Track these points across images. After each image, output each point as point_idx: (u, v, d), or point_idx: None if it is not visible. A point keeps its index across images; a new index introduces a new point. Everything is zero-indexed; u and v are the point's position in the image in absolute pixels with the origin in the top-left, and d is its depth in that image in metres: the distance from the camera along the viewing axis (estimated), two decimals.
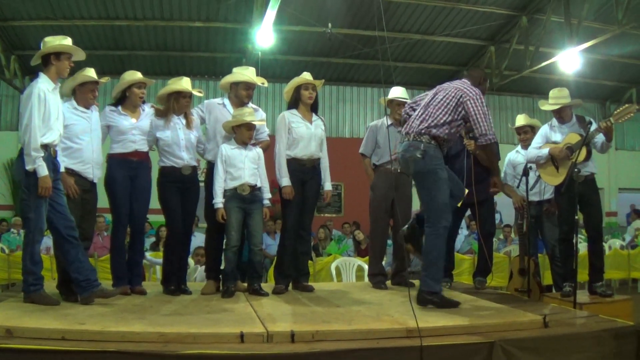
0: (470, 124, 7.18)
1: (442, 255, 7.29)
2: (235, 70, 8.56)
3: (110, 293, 7.12)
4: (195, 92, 8.26)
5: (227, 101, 8.48)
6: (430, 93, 7.55)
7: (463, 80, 7.49)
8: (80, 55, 7.19)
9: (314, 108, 8.71)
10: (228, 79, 8.48)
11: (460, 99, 7.14)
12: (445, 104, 7.19)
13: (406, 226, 7.59)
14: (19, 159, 6.77)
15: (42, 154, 6.64)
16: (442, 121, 7.13)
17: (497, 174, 7.12)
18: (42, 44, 6.99)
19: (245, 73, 8.42)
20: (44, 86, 6.77)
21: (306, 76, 8.59)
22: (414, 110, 7.55)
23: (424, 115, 7.27)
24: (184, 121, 8.10)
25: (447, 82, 7.55)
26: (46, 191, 6.63)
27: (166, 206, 8.08)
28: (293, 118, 8.49)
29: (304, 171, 8.49)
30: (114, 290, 7.32)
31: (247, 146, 8.07)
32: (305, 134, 8.45)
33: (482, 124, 7.04)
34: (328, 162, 8.80)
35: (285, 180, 8.31)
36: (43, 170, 6.61)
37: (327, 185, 8.77)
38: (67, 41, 7.05)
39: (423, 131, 7.15)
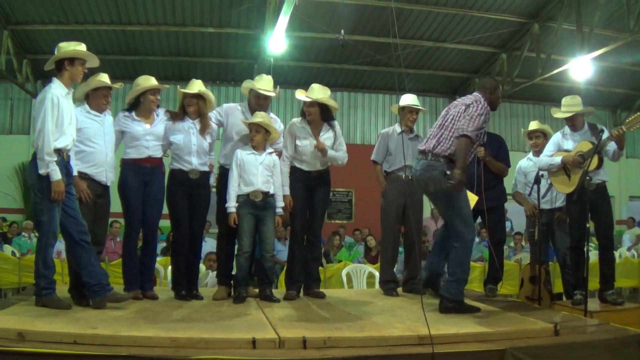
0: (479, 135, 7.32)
1: (469, 267, 7.68)
2: (257, 77, 8.57)
3: (122, 297, 7.14)
4: (210, 97, 8.29)
5: (245, 107, 8.50)
6: (444, 112, 7.67)
7: (475, 94, 7.58)
8: (94, 62, 7.22)
9: (325, 117, 8.60)
10: (247, 84, 8.60)
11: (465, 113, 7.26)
12: (454, 125, 7.36)
13: (423, 273, 7.65)
14: (32, 163, 6.80)
15: (55, 159, 6.66)
16: (454, 146, 7.30)
17: (460, 168, 7.15)
18: (56, 49, 7.01)
19: (259, 84, 8.42)
20: (57, 91, 6.80)
21: (310, 91, 8.51)
22: (436, 130, 7.62)
23: (438, 137, 7.48)
24: (198, 126, 8.12)
25: (460, 98, 7.64)
26: (59, 195, 6.67)
27: (172, 209, 8.13)
28: (300, 132, 8.49)
29: (311, 178, 8.52)
30: (126, 295, 7.34)
31: (263, 153, 8.07)
32: (309, 152, 8.45)
33: (469, 120, 7.22)
34: (344, 157, 8.76)
35: (285, 190, 8.34)
36: (56, 175, 6.64)
37: (331, 152, 8.58)
38: (82, 47, 7.07)
39: (440, 153, 7.31)
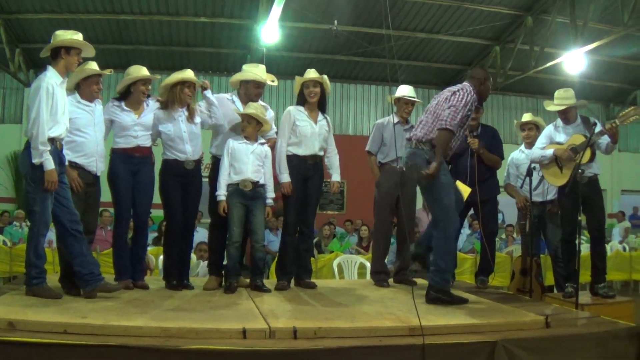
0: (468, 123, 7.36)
1: (451, 257, 7.63)
2: (245, 67, 8.56)
3: (114, 288, 7.11)
4: (199, 83, 8.25)
5: (235, 97, 8.48)
6: (432, 101, 7.68)
7: (464, 83, 7.56)
8: (89, 52, 7.21)
9: (321, 106, 8.68)
10: (238, 76, 8.50)
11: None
12: (436, 111, 7.36)
13: (414, 245, 7.62)
14: (25, 152, 6.78)
15: (49, 148, 6.66)
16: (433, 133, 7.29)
17: (437, 160, 7.15)
18: (52, 37, 6.98)
19: (255, 71, 8.43)
20: (52, 80, 6.79)
21: (308, 74, 8.55)
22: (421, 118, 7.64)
23: (423, 123, 7.47)
24: (186, 113, 8.09)
25: (448, 88, 7.62)
26: (52, 185, 6.65)
27: (166, 199, 8.09)
28: (299, 115, 8.48)
29: (306, 167, 8.48)
30: (117, 285, 7.31)
31: (255, 143, 8.06)
32: (309, 134, 8.44)
33: (451, 112, 7.19)
34: (338, 158, 8.80)
35: (284, 176, 8.33)
36: (50, 164, 6.63)
37: (335, 177, 8.76)
38: (78, 36, 7.07)
39: (424, 139, 7.29)
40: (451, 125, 7.14)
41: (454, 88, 7.44)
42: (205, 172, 8.53)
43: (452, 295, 7.26)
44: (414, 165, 7.36)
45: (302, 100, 8.61)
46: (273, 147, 8.45)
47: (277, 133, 8.60)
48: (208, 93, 8.22)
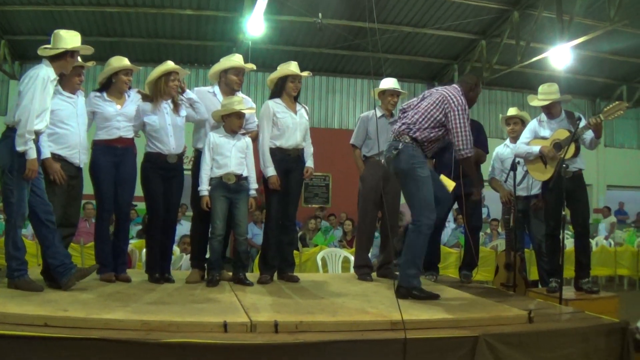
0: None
1: (422, 253, 7.41)
2: (222, 60, 8.53)
3: (88, 271, 7.10)
4: (183, 72, 8.19)
5: (217, 90, 8.45)
6: (419, 97, 7.71)
7: (454, 86, 7.58)
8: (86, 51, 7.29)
9: (296, 97, 8.66)
10: (216, 67, 8.47)
11: (444, 110, 7.30)
12: (429, 111, 7.40)
13: (395, 240, 7.60)
14: (4, 142, 6.75)
15: (34, 137, 6.64)
16: (423, 126, 7.34)
17: (477, 185, 7.23)
18: (58, 38, 6.95)
19: (232, 59, 8.40)
20: (50, 73, 6.81)
21: (293, 67, 8.50)
22: (405, 112, 7.61)
23: (406, 119, 7.49)
24: (171, 106, 8.05)
25: (438, 87, 7.66)
26: (33, 174, 6.63)
27: (148, 193, 8.05)
28: (278, 108, 8.43)
29: (289, 161, 8.44)
30: (92, 267, 7.32)
31: (235, 135, 8.03)
32: (291, 124, 8.40)
33: (461, 138, 7.26)
34: (312, 148, 8.78)
35: (270, 170, 8.26)
36: (33, 153, 6.61)
37: (309, 163, 8.73)
38: (79, 38, 7.09)
39: (403, 132, 7.33)
40: (470, 151, 7.33)
41: (446, 93, 7.40)
42: (188, 166, 8.49)
43: (423, 291, 7.23)
44: (389, 157, 7.42)
45: (278, 93, 8.58)
46: (254, 140, 8.43)
47: (258, 126, 8.58)
48: (187, 94, 8.18)
